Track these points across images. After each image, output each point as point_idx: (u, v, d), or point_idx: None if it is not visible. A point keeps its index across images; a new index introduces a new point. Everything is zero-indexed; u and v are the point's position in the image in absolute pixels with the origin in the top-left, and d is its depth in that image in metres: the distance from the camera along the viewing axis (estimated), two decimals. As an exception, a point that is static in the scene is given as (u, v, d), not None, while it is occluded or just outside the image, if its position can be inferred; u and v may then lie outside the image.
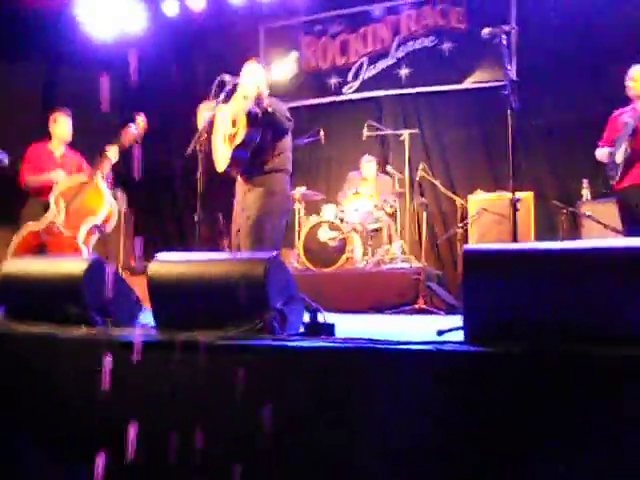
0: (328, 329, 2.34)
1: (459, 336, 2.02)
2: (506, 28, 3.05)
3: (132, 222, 6.91)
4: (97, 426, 2.11)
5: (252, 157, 3.55)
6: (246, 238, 3.57)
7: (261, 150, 3.57)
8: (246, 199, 3.65)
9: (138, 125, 4.18)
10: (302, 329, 2.39)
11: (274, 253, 2.40)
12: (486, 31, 3.07)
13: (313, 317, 2.39)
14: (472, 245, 1.94)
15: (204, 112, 3.49)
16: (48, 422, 2.19)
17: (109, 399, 2.06)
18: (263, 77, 3.51)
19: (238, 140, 3.48)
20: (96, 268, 2.46)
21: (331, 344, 2.07)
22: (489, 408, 1.68)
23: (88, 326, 2.30)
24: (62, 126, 4.42)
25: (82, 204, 4.03)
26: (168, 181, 7.52)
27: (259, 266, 2.23)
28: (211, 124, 3.55)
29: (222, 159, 3.63)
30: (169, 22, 7.08)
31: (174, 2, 6.91)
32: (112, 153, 4.11)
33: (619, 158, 4.01)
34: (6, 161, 4.15)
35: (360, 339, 2.08)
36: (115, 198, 6.61)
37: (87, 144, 4.65)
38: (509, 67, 3.00)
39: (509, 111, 2.96)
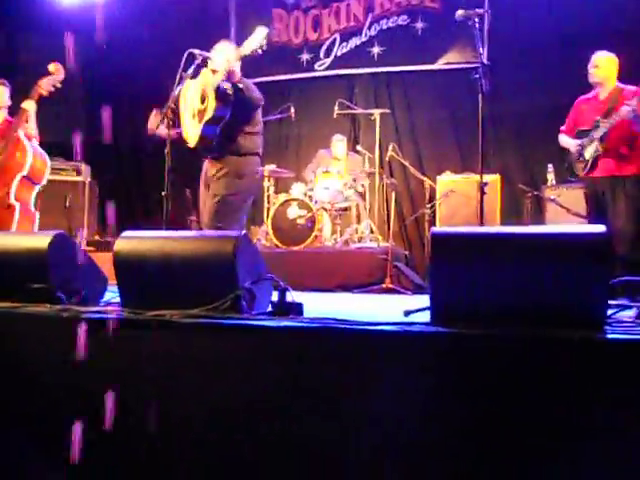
0: (297, 309, 2.34)
1: (426, 317, 2.05)
2: (480, 11, 3.06)
3: (96, 195, 6.75)
4: (63, 404, 2.08)
5: (222, 136, 3.49)
6: (211, 216, 3.55)
7: (231, 129, 3.51)
8: (213, 178, 3.62)
9: (53, 73, 4.09)
10: (270, 308, 2.39)
11: (243, 231, 2.39)
12: (460, 13, 3.07)
13: (282, 296, 2.39)
14: (439, 228, 1.96)
15: (155, 118, 3.40)
16: (15, 402, 2.16)
17: (73, 378, 2.04)
18: (234, 53, 3.44)
19: (207, 116, 3.43)
20: (60, 243, 2.40)
21: (300, 324, 2.08)
22: (455, 388, 1.72)
23: (52, 303, 2.25)
24: None
25: (6, 161, 3.96)
26: (135, 156, 7.37)
27: (228, 244, 2.21)
28: (177, 99, 3.48)
29: (192, 135, 3.56)
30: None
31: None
32: (28, 105, 4.02)
33: (588, 155, 4.04)
34: None
35: (328, 319, 2.09)
36: (79, 171, 6.52)
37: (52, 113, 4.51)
38: (481, 50, 3.01)
39: (480, 94, 2.98)
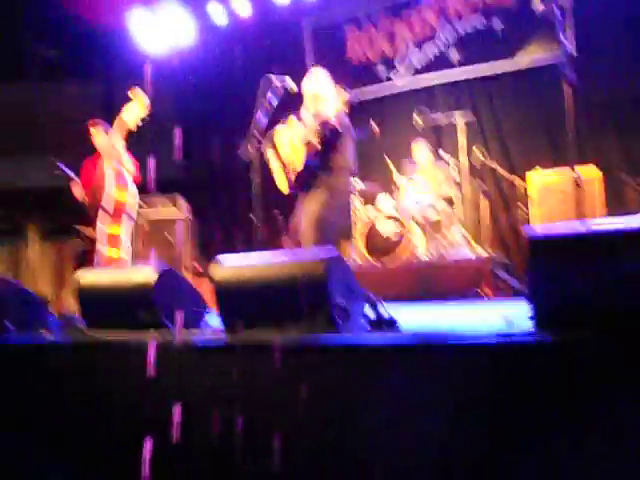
0: (392, 323, 2.33)
1: (528, 324, 1.96)
2: (560, 1, 2.91)
3: (195, 225, 7.12)
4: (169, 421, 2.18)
5: (319, 163, 3.65)
6: (307, 234, 3.63)
7: (324, 161, 3.66)
8: (309, 197, 3.73)
9: (135, 101, 4.13)
10: (365, 324, 2.39)
11: (334, 250, 2.41)
12: (540, 6, 2.95)
13: (376, 312, 2.39)
14: (534, 227, 1.87)
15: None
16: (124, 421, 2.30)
17: (183, 399, 2.14)
18: (327, 90, 3.65)
19: (298, 166, 3.63)
20: (166, 277, 2.55)
21: (395, 339, 2.07)
22: (562, 396, 1.63)
23: (159, 330, 2.39)
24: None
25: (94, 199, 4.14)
26: (225, 183, 7.68)
27: (320, 265, 2.25)
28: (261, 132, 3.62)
29: (283, 181, 3.75)
30: (219, 30, 7.22)
31: (223, 11, 7.04)
32: (115, 141, 4.15)
33: None
34: (74, 177, 4.36)
35: (425, 333, 2.06)
36: (175, 203, 6.89)
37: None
38: (565, 41, 2.87)
39: (566, 85, 2.83)
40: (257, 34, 7.27)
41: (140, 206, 6.63)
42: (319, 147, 3.55)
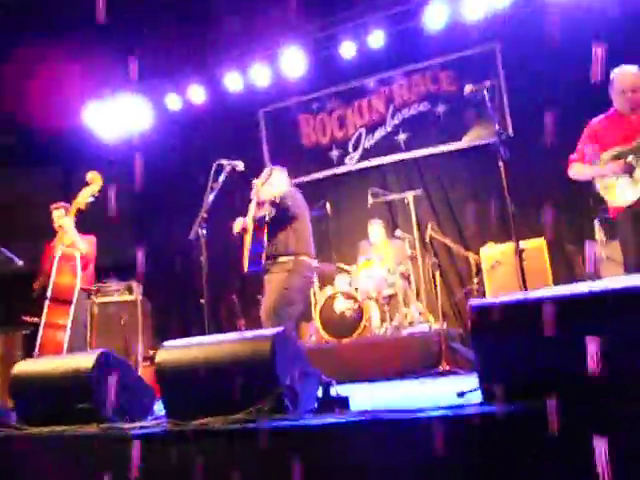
0: (343, 403, 2.27)
1: (479, 396, 1.94)
2: (486, 84, 3.12)
3: (149, 311, 6.93)
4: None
5: (270, 241, 3.79)
6: (265, 316, 3.67)
7: (276, 235, 3.81)
8: (270, 282, 3.83)
9: (90, 182, 4.37)
10: (315, 405, 2.31)
11: (281, 328, 2.37)
12: (467, 89, 3.15)
13: (326, 392, 2.33)
14: (476, 300, 1.89)
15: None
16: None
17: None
18: (276, 182, 3.90)
19: (250, 244, 3.83)
20: (105, 362, 2.44)
21: (345, 418, 2.00)
22: (509, 468, 1.59)
23: (99, 423, 2.26)
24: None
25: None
26: (180, 266, 7.61)
27: (265, 343, 2.20)
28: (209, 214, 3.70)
29: (244, 261, 3.91)
30: (173, 116, 7.41)
31: (177, 98, 7.25)
32: (64, 221, 4.31)
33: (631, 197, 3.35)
34: (18, 262, 4.28)
35: (375, 411, 2.01)
36: (130, 290, 6.75)
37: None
38: (495, 120, 3.04)
39: (500, 162, 2.98)
40: (212, 120, 7.50)
41: (95, 292, 6.51)
42: (266, 218, 3.65)
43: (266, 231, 3.76)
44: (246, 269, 3.89)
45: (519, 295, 1.97)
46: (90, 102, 7.35)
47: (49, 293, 4.11)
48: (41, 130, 7.07)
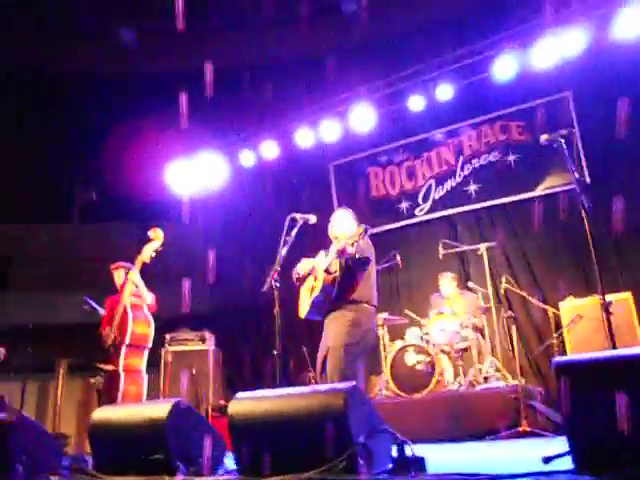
0: (418, 464, 2.17)
1: (569, 463, 1.80)
2: (563, 132, 3.04)
3: (221, 361, 7.02)
4: None
5: (338, 291, 3.66)
6: (330, 370, 3.53)
7: (344, 287, 3.68)
8: (331, 327, 3.68)
9: (153, 239, 4.49)
10: (390, 465, 2.22)
11: (353, 383, 2.32)
12: (544, 137, 3.08)
13: (401, 451, 2.23)
14: (563, 357, 1.77)
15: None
16: None
17: None
18: (347, 226, 3.83)
19: (316, 292, 3.71)
20: (179, 411, 2.46)
21: (421, 480, 1.91)
22: None
23: (170, 475, 2.26)
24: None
25: (119, 335, 4.36)
26: (254, 318, 7.71)
27: (338, 398, 2.16)
28: (282, 264, 3.70)
29: (303, 306, 3.82)
30: (246, 171, 7.69)
31: (250, 154, 7.54)
32: (131, 275, 4.45)
33: None
34: (102, 311, 4.49)
35: (454, 475, 1.91)
36: (203, 340, 6.88)
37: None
38: (574, 169, 2.94)
39: (583, 213, 2.86)
40: (284, 174, 7.72)
41: (169, 342, 6.70)
42: (338, 275, 3.59)
43: (336, 281, 3.69)
44: (304, 315, 3.80)
45: (612, 352, 1.84)
46: (170, 162, 7.76)
47: (127, 340, 4.26)
48: (123, 188, 7.54)
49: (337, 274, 3.62)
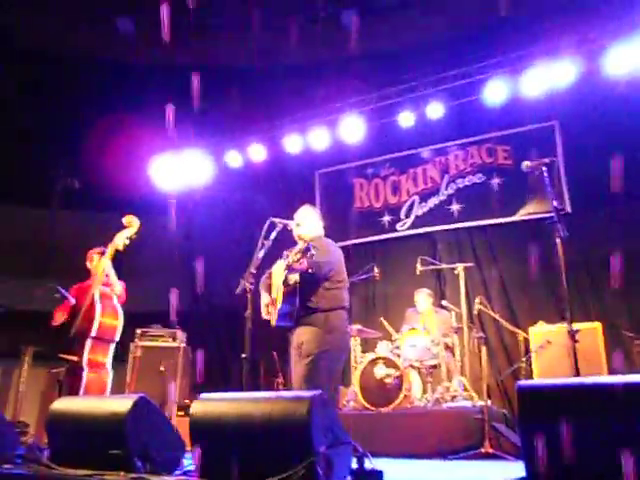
0: (376, 477, 2.17)
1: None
2: (545, 160, 3.09)
3: (190, 360, 6.95)
4: None
5: (302, 301, 3.58)
6: (300, 378, 3.48)
7: (309, 293, 3.60)
8: (301, 337, 3.61)
9: (127, 225, 4.43)
10: (348, 477, 2.22)
11: (318, 392, 2.32)
12: (525, 164, 3.13)
13: (360, 463, 2.24)
14: (526, 381, 1.80)
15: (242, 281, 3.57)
16: None
17: None
18: (309, 226, 3.78)
19: (279, 304, 3.64)
20: (141, 407, 2.43)
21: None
22: None
23: (127, 472, 2.23)
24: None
25: (81, 326, 4.27)
26: (226, 320, 7.67)
27: (302, 405, 2.15)
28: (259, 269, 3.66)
29: (273, 316, 3.73)
30: (232, 172, 7.67)
31: (237, 155, 7.52)
32: (103, 262, 4.36)
33: None
34: (72, 300, 4.40)
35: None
36: (174, 337, 6.82)
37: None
38: (553, 197, 2.99)
39: (558, 240, 2.90)
40: (269, 178, 7.71)
41: (139, 337, 6.62)
42: (297, 284, 3.53)
43: (297, 291, 3.56)
44: (274, 324, 3.71)
45: (574, 379, 1.87)
46: (156, 156, 7.71)
47: (93, 332, 4.17)
48: (106, 178, 7.47)
49: (296, 284, 3.56)
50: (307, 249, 3.37)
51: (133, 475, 2.21)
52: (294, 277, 3.55)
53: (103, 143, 7.12)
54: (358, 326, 6.05)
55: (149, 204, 7.67)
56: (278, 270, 3.75)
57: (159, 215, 7.39)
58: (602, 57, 5.75)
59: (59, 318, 4.37)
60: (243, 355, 3.35)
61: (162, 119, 7.01)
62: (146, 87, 7.14)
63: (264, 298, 3.78)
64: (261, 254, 3.54)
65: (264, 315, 3.73)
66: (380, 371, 5.45)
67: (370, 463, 2.20)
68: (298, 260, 3.42)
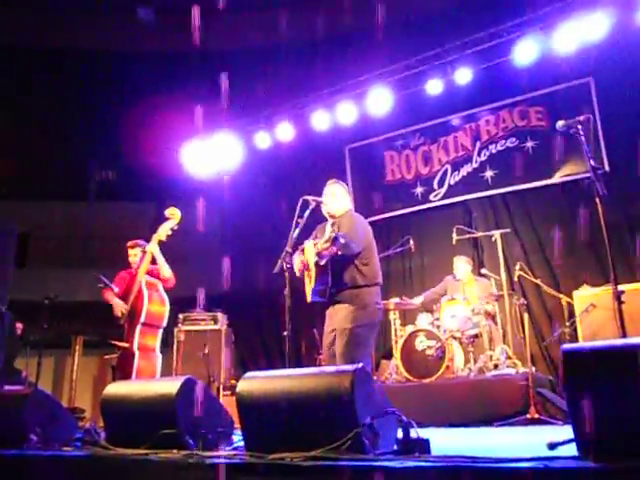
0: (423, 446, 2.18)
1: (574, 449, 1.80)
2: (580, 118, 2.99)
3: (232, 341, 7.09)
4: None
5: (334, 279, 3.60)
6: (340, 354, 3.53)
7: (341, 270, 3.62)
8: (336, 315, 3.65)
9: (169, 217, 4.54)
10: (395, 446, 2.24)
11: (360, 365, 2.33)
12: (560, 124, 3.03)
13: (406, 433, 2.25)
14: (572, 344, 1.78)
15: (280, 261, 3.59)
16: None
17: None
18: (337, 203, 3.75)
19: (313, 283, 3.66)
20: (189, 388, 2.50)
21: (424, 463, 1.92)
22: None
23: (180, 449, 2.31)
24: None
25: (132, 313, 4.42)
26: (266, 300, 7.76)
27: (345, 379, 2.17)
28: (297, 246, 3.67)
29: (308, 292, 3.77)
30: (261, 153, 7.68)
31: (266, 135, 7.51)
32: (150, 247, 4.48)
33: None
34: (115, 289, 4.54)
35: (457, 457, 1.91)
36: (216, 320, 6.95)
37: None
38: (590, 156, 2.90)
39: (597, 200, 2.82)
40: (299, 157, 7.69)
41: (182, 322, 6.79)
42: (325, 262, 3.55)
43: (329, 271, 3.58)
44: (309, 300, 3.75)
45: (620, 341, 1.83)
46: (186, 143, 7.77)
47: (143, 319, 4.31)
48: (140, 168, 7.59)
49: (327, 265, 3.56)
50: (335, 239, 3.38)
51: (186, 452, 2.29)
52: (324, 260, 3.58)
53: (134, 133, 7.23)
54: (396, 299, 6.04)
55: (183, 191, 7.79)
56: (309, 248, 3.75)
57: (193, 201, 7.48)
58: (637, 6, 5.49)
59: (112, 301, 4.51)
60: (284, 333, 3.40)
61: (191, 105, 7.06)
62: (174, 74, 7.19)
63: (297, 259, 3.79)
64: (296, 233, 3.55)
65: (297, 272, 3.73)
66: (421, 343, 5.45)
67: (416, 432, 2.21)
68: (327, 248, 3.44)
